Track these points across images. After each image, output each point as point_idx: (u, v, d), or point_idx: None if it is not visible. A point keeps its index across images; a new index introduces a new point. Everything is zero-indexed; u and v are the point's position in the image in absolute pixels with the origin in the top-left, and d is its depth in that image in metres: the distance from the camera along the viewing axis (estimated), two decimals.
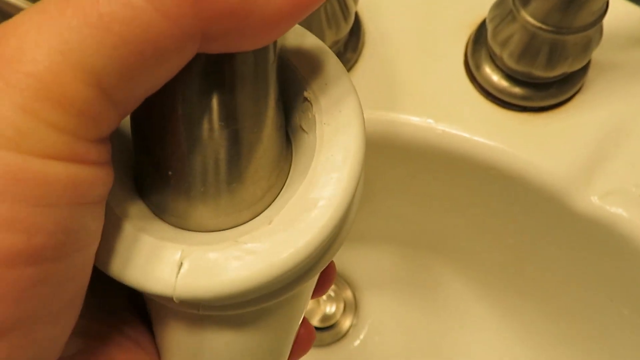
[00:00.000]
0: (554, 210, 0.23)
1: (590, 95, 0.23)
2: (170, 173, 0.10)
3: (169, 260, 0.10)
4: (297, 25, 0.11)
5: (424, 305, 0.34)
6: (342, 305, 0.34)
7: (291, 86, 0.11)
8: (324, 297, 0.34)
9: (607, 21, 0.21)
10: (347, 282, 0.35)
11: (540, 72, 0.21)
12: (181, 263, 0.09)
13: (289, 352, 0.13)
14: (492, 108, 0.23)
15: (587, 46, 0.20)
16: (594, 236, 0.22)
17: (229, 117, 0.09)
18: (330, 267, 0.15)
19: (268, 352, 0.12)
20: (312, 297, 0.14)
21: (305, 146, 0.11)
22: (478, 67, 0.23)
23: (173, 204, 0.10)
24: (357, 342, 0.33)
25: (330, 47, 0.13)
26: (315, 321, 0.34)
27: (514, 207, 0.24)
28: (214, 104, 0.09)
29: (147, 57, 0.08)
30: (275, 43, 0.10)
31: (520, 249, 0.27)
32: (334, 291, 0.34)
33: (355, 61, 0.24)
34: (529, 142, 0.23)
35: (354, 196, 0.10)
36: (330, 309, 0.34)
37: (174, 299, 0.09)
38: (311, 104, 0.11)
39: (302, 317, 0.13)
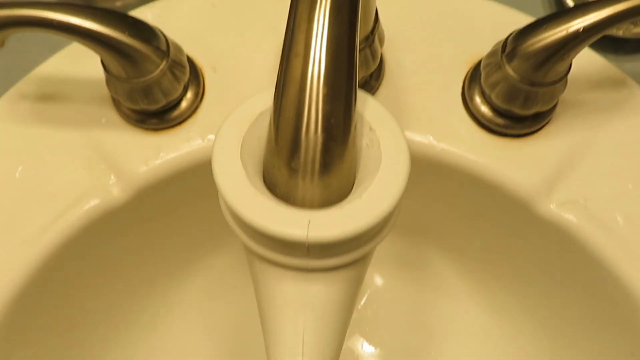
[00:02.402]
0: (522, 213, 0.30)
1: (556, 126, 0.30)
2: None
3: (300, 218, 0.16)
4: (361, 92, 0.18)
5: (414, 281, 0.41)
6: None
7: (359, 123, 0.18)
8: None
9: (574, 65, 0.27)
10: None
11: (518, 111, 0.28)
12: (309, 220, 0.16)
13: None
14: (480, 132, 0.30)
15: (555, 95, 0.27)
16: (551, 235, 0.29)
17: None
18: None
19: (352, 304, 0.18)
20: None
21: (370, 156, 0.17)
22: (472, 99, 0.30)
23: (294, 190, 0.16)
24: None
25: (360, 79, 0.20)
26: None
27: (493, 209, 0.31)
28: None
29: None
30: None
31: (496, 242, 0.34)
32: None
33: (377, 88, 0.31)
34: (507, 160, 0.29)
35: (404, 186, 0.17)
36: None
37: (306, 244, 0.15)
38: (375, 132, 0.18)
39: None
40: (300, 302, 0.17)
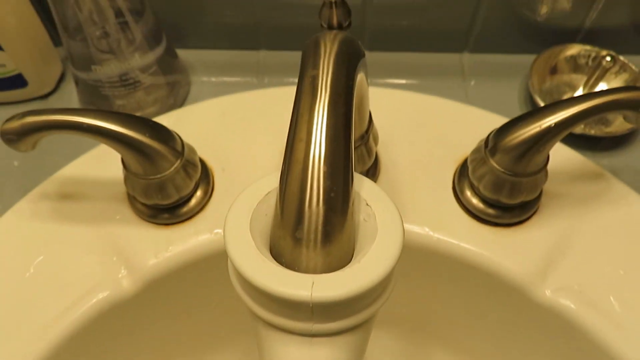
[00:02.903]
0: (519, 300, 0.31)
1: (543, 216, 0.32)
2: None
3: (305, 281, 0.17)
4: (357, 174, 0.20)
5: None
6: None
7: (356, 200, 0.20)
8: None
9: (554, 162, 0.30)
10: None
11: (505, 200, 0.30)
12: (313, 282, 0.17)
13: None
14: (472, 222, 0.32)
15: (537, 184, 0.29)
16: (547, 320, 0.30)
17: None
18: None
19: None
20: None
21: (367, 228, 0.19)
22: (462, 192, 0.32)
23: (298, 258, 0.18)
24: None
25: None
26: None
27: (490, 298, 0.32)
28: None
29: None
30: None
31: (496, 332, 0.35)
32: None
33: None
34: (500, 248, 0.31)
35: (400, 251, 0.18)
36: None
37: (310, 304, 0.17)
38: (370, 207, 0.19)
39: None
40: None
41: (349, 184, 0.18)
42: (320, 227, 0.17)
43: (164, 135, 0.29)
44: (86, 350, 0.30)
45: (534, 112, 0.28)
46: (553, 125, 0.27)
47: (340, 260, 0.18)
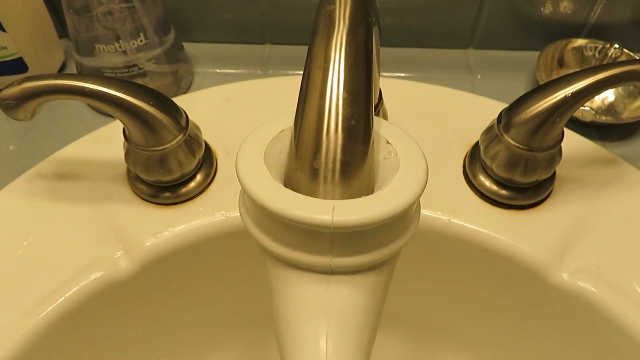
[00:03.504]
0: (535, 284, 0.29)
1: (557, 199, 0.31)
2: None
3: (325, 205, 0.16)
4: (377, 118, 0.19)
5: None
6: None
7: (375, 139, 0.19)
8: None
9: (566, 149, 0.29)
10: None
11: (519, 179, 0.29)
12: (334, 206, 0.16)
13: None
14: (485, 205, 0.31)
15: (552, 161, 0.29)
16: (565, 304, 0.29)
17: None
18: None
19: (378, 316, 0.17)
20: None
21: (388, 165, 0.18)
22: (474, 175, 0.31)
23: (316, 191, 0.17)
24: None
25: None
26: None
27: (505, 283, 0.31)
28: None
29: None
30: None
31: (511, 324, 0.33)
32: None
33: None
34: (514, 231, 0.30)
35: (425, 182, 0.17)
36: None
37: (331, 229, 0.15)
38: (391, 144, 0.18)
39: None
40: (323, 308, 0.16)
41: (370, 113, 0.17)
42: (339, 156, 0.16)
43: (169, 106, 0.28)
44: (78, 332, 0.28)
45: (549, 84, 0.27)
46: (570, 95, 0.26)
47: (360, 194, 0.17)
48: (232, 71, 0.41)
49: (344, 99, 0.16)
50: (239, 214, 0.19)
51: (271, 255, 0.17)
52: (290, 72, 0.41)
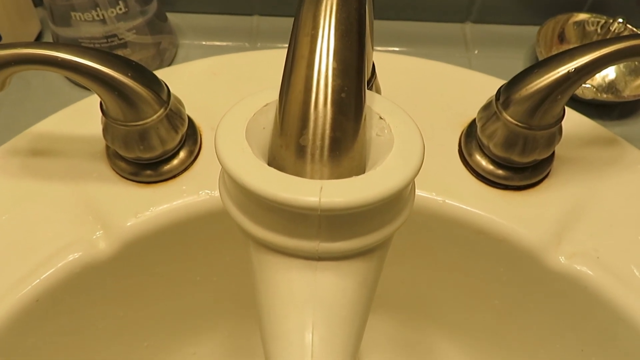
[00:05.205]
0: (529, 267, 0.28)
1: (555, 179, 0.30)
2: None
3: (312, 186, 0.14)
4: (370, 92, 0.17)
5: None
6: None
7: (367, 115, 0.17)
8: None
9: (565, 127, 0.28)
10: None
11: (517, 158, 0.28)
12: (321, 187, 0.14)
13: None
14: (481, 186, 0.30)
15: (551, 140, 0.27)
16: (562, 289, 0.28)
17: None
18: None
19: (367, 305, 0.16)
20: None
21: (381, 143, 0.17)
22: (470, 154, 0.30)
23: (302, 169, 0.15)
24: None
25: None
26: None
27: (499, 266, 0.30)
28: None
29: None
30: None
31: (504, 309, 0.32)
32: None
33: None
34: (510, 213, 0.29)
35: (421, 162, 0.16)
36: None
37: (318, 211, 0.14)
38: (384, 120, 0.17)
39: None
40: (309, 298, 0.15)
41: (362, 86, 0.15)
42: (328, 132, 0.15)
43: (149, 78, 0.26)
44: (55, 316, 0.27)
45: (550, 60, 0.26)
46: (573, 70, 0.25)
47: (350, 174, 0.16)
48: (219, 43, 0.39)
49: (333, 70, 0.15)
50: None
51: (254, 239, 0.16)
52: (280, 45, 0.39)
